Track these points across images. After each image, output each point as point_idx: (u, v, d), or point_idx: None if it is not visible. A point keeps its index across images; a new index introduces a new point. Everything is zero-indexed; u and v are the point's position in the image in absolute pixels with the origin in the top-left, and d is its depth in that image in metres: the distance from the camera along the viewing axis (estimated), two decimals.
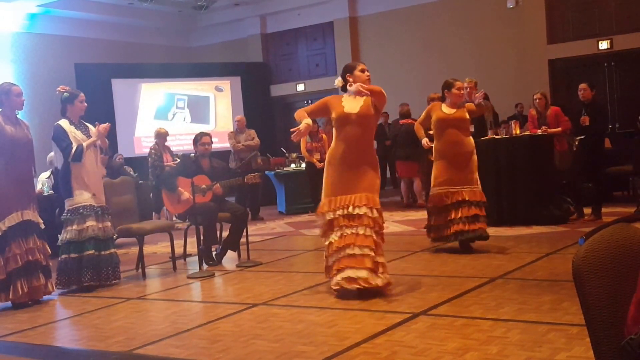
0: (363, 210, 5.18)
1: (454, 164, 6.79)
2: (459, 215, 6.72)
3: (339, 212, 5.21)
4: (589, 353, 1.99)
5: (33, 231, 5.91)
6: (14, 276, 5.73)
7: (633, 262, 1.93)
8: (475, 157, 6.93)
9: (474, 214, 6.76)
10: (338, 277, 5.15)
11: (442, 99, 7.09)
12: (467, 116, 6.89)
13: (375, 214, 5.22)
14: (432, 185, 6.98)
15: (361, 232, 5.14)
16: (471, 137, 7.00)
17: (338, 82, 5.57)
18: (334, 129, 5.54)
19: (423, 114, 7.21)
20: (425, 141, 7.10)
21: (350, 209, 5.19)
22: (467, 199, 6.72)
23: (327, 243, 5.31)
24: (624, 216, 2.09)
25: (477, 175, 6.90)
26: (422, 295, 5.12)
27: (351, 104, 5.39)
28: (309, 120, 5.31)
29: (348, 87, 5.43)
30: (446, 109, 6.89)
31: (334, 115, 5.41)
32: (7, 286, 5.73)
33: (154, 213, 10.93)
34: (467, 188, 6.76)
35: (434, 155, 6.98)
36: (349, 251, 5.13)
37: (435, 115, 6.91)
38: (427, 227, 7.16)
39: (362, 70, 5.47)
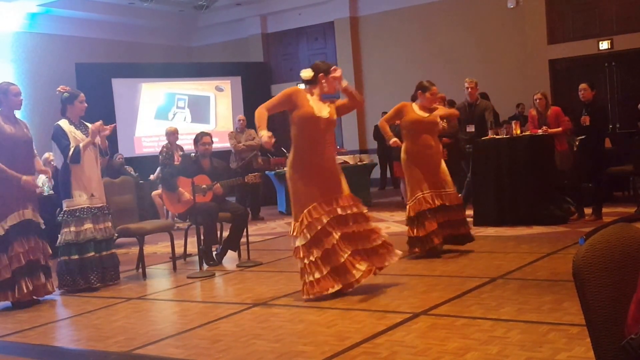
0: (354, 210, 5.22)
1: (430, 168, 6.68)
2: (446, 219, 6.64)
3: (328, 217, 5.10)
4: (589, 353, 1.99)
5: (34, 231, 5.91)
6: (18, 275, 5.74)
7: (633, 261, 1.93)
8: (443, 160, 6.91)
9: (460, 218, 6.76)
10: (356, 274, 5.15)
11: (413, 99, 6.95)
12: (438, 120, 6.82)
13: (365, 209, 5.32)
14: (412, 191, 6.68)
15: (360, 229, 5.23)
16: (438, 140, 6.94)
17: (308, 73, 5.32)
18: (296, 129, 5.27)
19: (392, 112, 6.91)
20: (395, 141, 6.85)
21: (340, 210, 5.13)
22: (447, 203, 6.64)
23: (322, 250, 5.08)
24: (624, 216, 2.09)
25: (450, 177, 6.85)
26: (422, 295, 5.12)
27: (319, 107, 5.25)
28: (264, 133, 5.09)
29: (321, 86, 5.28)
30: (420, 112, 6.74)
31: (300, 113, 5.19)
32: (12, 285, 5.74)
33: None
34: (447, 191, 6.68)
35: (405, 158, 6.76)
36: (365, 245, 5.25)
37: (409, 117, 6.72)
38: (411, 240, 6.68)
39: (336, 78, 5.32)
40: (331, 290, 5.08)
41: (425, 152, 6.70)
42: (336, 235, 5.09)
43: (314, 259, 5.07)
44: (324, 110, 5.24)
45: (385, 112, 16.03)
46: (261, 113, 5.22)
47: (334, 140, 5.49)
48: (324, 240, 5.07)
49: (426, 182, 6.65)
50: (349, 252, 5.14)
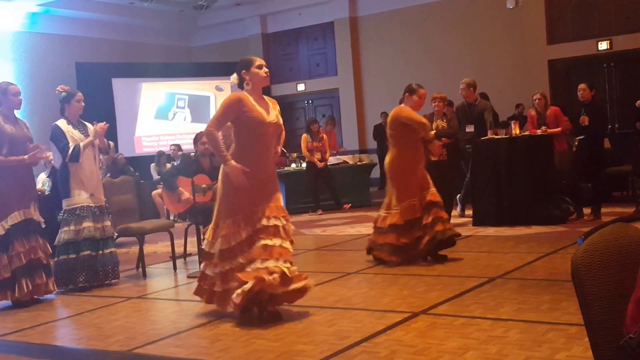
0: (278, 222, 4.70)
1: (419, 169, 6.48)
2: (429, 220, 6.36)
3: (251, 227, 4.66)
4: (588, 353, 2.00)
5: (34, 230, 5.92)
6: (18, 274, 5.75)
7: (631, 261, 1.94)
8: None
9: (441, 216, 6.44)
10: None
11: (400, 102, 6.68)
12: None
13: (287, 224, 4.79)
14: (400, 198, 6.36)
15: (278, 243, 4.65)
16: None
17: (234, 79, 4.87)
18: (242, 133, 4.77)
19: (417, 117, 6.48)
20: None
21: (265, 221, 4.66)
22: (434, 200, 6.39)
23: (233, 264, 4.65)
24: (622, 216, 2.09)
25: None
26: (422, 295, 5.12)
27: (266, 111, 4.80)
28: (234, 164, 4.64)
29: (245, 85, 4.80)
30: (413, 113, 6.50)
31: (249, 117, 4.70)
32: (12, 284, 5.75)
33: None
34: (430, 191, 6.43)
35: (397, 162, 6.46)
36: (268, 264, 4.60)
37: (410, 117, 6.42)
38: (391, 247, 6.39)
39: (260, 67, 4.82)
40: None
41: (419, 155, 6.52)
42: (244, 256, 4.65)
43: (225, 269, 4.68)
44: (272, 114, 4.82)
45: (385, 112, 16.08)
46: (214, 137, 4.73)
47: (277, 145, 5.01)
48: (239, 255, 4.65)
49: (417, 186, 6.42)
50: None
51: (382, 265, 6.46)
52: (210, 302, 4.94)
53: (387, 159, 6.60)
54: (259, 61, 4.85)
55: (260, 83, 4.85)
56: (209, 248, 4.84)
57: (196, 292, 5.04)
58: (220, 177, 4.89)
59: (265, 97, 4.92)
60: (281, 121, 4.93)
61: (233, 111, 4.73)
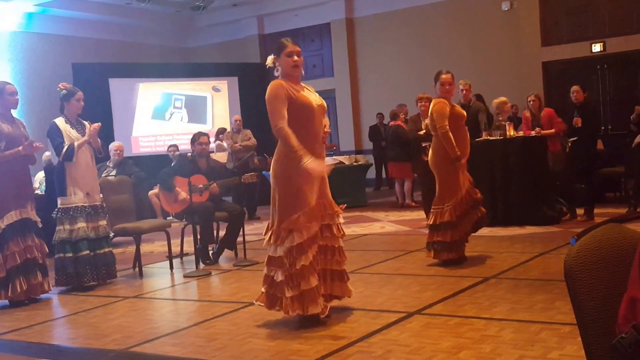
0: (338, 219, 4.57)
1: (463, 164, 6.24)
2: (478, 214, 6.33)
3: (323, 221, 4.46)
4: (580, 352, 2.02)
5: (31, 229, 5.94)
6: (13, 274, 5.76)
7: (624, 261, 1.95)
8: None
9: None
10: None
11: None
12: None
13: (342, 220, 4.63)
14: (454, 191, 6.10)
15: (341, 244, 4.58)
16: None
17: (270, 60, 4.62)
18: (292, 123, 4.41)
19: (445, 115, 6.10)
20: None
21: (329, 218, 4.50)
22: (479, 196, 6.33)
23: (301, 264, 4.30)
24: (615, 217, 2.12)
25: None
26: (416, 295, 5.15)
27: (308, 93, 4.54)
28: (308, 160, 4.34)
29: (275, 71, 4.56)
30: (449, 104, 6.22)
31: (296, 104, 4.41)
32: (6, 284, 5.77)
33: None
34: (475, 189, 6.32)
35: (437, 153, 6.18)
36: (332, 265, 4.55)
37: (454, 112, 6.18)
38: (439, 245, 6.17)
39: (290, 54, 4.52)
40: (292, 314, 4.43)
41: (467, 146, 6.31)
42: (313, 251, 4.38)
43: (299, 267, 4.32)
44: (314, 96, 4.55)
45: (381, 113, 16.08)
46: (287, 133, 4.34)
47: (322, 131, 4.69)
48: (309, 250, 4.35)
49: (467, 180, 6.25)
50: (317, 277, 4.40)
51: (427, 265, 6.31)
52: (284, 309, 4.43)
53: (429, 153, 6.39)
54: (290, 48, 4.52)
55: (287, 72, 4.52)
56: (274, 252, 4.47)
57: (270, 306, 4.51)
58: (273, 176, 4.62)
59: (302, 83, 4.64)
60: (324, 103, 4.64)
61: (284, 96, 4.38)
